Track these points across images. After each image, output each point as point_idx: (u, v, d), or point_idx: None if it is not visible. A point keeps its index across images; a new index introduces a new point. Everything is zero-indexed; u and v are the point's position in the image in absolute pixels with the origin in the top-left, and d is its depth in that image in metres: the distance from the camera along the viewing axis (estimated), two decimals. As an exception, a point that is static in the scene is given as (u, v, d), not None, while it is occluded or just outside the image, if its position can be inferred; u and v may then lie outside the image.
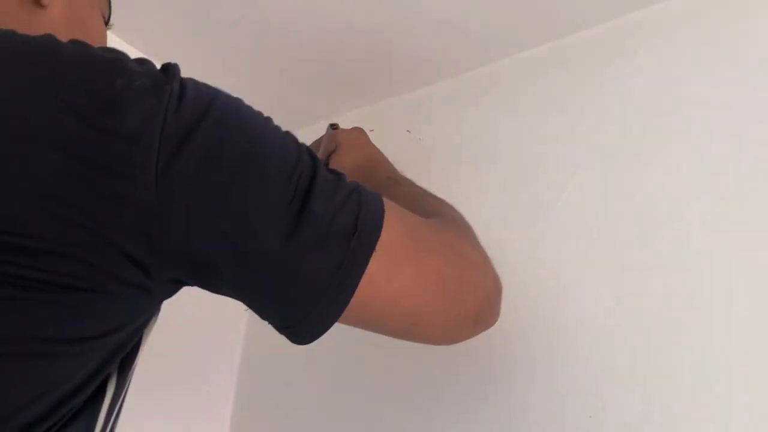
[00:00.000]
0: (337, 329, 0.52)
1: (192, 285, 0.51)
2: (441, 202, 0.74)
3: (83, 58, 0.45)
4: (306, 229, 0.47)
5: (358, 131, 0.92)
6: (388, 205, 0.54)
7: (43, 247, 0.41)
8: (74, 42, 0.46)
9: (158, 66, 0.47)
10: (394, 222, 0.53)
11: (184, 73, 0.47)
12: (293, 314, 0.50)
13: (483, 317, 0.64)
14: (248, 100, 0.51)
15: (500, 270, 0.65)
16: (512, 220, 0.89)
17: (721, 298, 0.72)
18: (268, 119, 0.52)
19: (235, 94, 0.50)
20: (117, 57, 0.46)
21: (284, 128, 0.52)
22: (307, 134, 0.83)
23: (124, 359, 0.50)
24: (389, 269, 0.52)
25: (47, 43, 0.46)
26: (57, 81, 0.43)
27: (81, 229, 0.42)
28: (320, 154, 0.93)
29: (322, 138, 0.93)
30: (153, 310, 0.51)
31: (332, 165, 0.89)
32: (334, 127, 0.94)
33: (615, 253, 0.80)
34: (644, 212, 0.80)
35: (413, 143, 1.04)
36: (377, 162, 0.86)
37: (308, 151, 0.52)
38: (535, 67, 0.96)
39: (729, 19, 0.81)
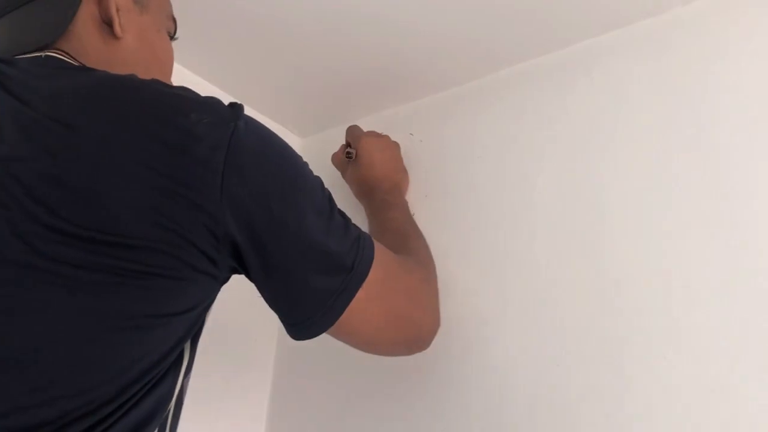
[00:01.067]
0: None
1: (241, 273, 0.63)
2: (419, 238, 0.94)
3: (163, 95, 0.56)
4: (320, 258, 0.63)
5: (383, 141, 1.06)
6: (377, 251, 0.69)
7: (141, 245, 0.52)
8: (155, 81, 0.57)
9: (225, 102, 0.60)
10: (378, 268, 0.68)
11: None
12: (296, 317, 0.66)
13: (414, 348, 0.84)
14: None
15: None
16: (496, 211, 0.97)
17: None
18: (305, 164, 0.66)
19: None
20: (189, 96, 0.58)
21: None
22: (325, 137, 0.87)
23: (194, 336, 0.62)
24: (366, 303, 0.67)
25: (132, 82, 0.57)
26: (145, 115, 0.54)
27: (168, 231, 0.53)
28: (345, 148, 1.08)
29: (348, 132, 1.08)
30: (216, 292, 0.64)
31: (348, 173, 1.05)
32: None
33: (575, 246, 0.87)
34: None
35: (416, 144, 1.12)
36: (382, 182, 1.02)
37: (329, 197, 0.67)
38: (509, 85, 1.04)
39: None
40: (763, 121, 0.79)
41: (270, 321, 0.75)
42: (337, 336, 0.71)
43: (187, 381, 0.64)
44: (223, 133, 0.55)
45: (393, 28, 0.98)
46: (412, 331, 0.80)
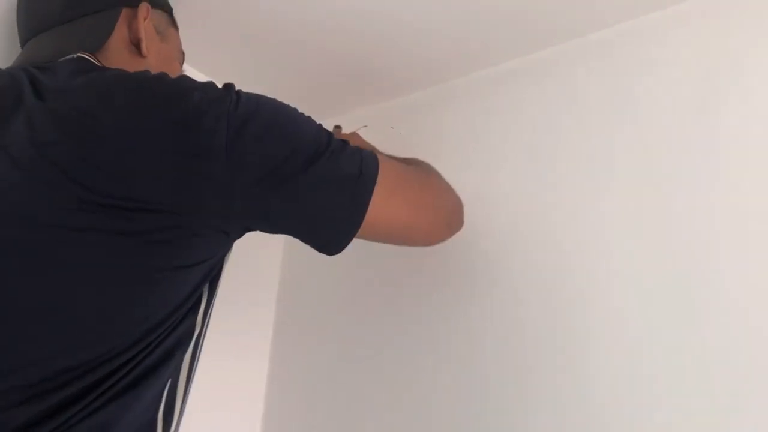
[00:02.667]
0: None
1: (255, 229, 0.72)
2: (417, 161, 1.00)
3: (169, 83, 0.66)
4: (329, 173, 0.70)
5: (354, 135, 1.18)
6: (380, 156, 0.78)
7: (160, 209, 0.62)
8: (162, 73, 0.68)
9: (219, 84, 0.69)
10: (386, 166, 0.76)
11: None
12: (324, 235, 0.74)
13: (453, 223, 0.95)
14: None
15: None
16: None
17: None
18: (295, 109, 0.73)
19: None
20: (190, 81, 0.67)
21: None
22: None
23: (211, 280, 0.73)
24: (385, 198, 0.75)
25: (144, 75, 0.68)
26: (155, 100, 0.64)
27: (186, 195, 0.62)
28: None
29: None
30: (230, 246, 0.74)
31: None
32: (337, 127, 1.17)
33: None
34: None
35: (396, 137, 1.28)
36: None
37: (326, 130, 0.74)
38: (484, 86, 1.20)
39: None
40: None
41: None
42: (375, 235, 0.78)
43: (208, 319, 0.74)
44: (223, 105, 0.64)
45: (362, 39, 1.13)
46: (442, 210, 0.90)
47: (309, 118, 0.73)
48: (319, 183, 0.69)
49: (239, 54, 1.20)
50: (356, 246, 0.76)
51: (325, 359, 1.22)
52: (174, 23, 0.90)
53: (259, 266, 1.33)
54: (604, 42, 1.06)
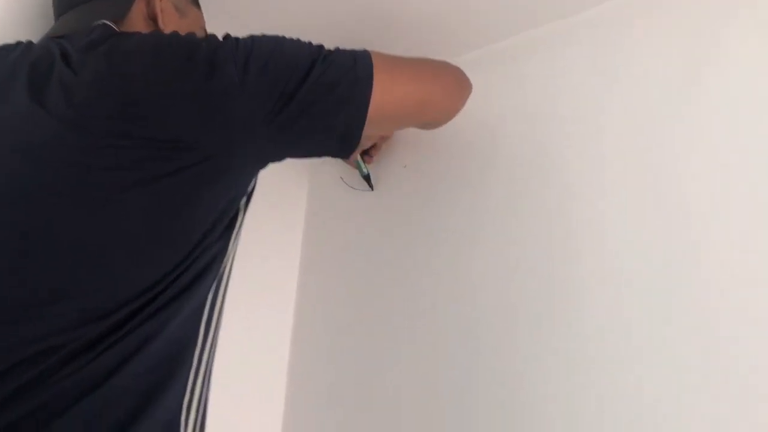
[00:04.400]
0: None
1: (278, 154, 0.80)
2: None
3: (182, 39, 0.75)
4: (327, 73, 0.76)
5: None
6: (374, 51, 0.82)
7: (187, 146, 0.70)
8: (174, 32, 0.76)
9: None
10: (380, 54, 0.82)
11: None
12: (335, 133, 0.78)
13: (463, 83, 0.97)
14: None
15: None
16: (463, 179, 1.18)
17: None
18: (284, 36, 0.79)
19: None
20: (198, 36, 0.75)
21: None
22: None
23: (233, 215, 0.81)
24: (389, 78, 0.80)
25: (161, 34, 0.77)
26: (174, 55, 0.72)
27: (216, 131, 0.71)
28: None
29: None
30: (248, 181, 0.81)
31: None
32: None
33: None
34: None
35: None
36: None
37: (317, 45, 0.79)
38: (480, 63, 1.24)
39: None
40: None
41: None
42: (390, 119, 0.86)
43: (234, 246, 0.83)
44: (227, 49, 0.73)
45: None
46: (450, 77, 0.95)
47: (298, 39, 0.79)
48: (319, 84, 0.75)
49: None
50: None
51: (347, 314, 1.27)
52: (196, 2, 0.98)
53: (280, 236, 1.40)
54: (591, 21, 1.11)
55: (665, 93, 0.99)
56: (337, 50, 0.79)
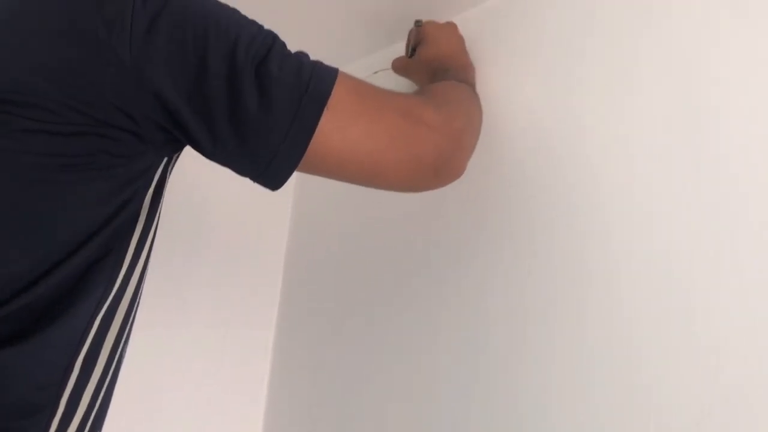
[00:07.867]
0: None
1: (182, 142, 0.61)
2: (462, 95, 0.83)
3: None
4: (260, 87, 0.58)
5: (448, 26, 0.99)
6: (344, 74, 0.64)
7: (75, 106, 0.54)
8: None
9: None
10: (346, 85, 0.63)
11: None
12: (258, 164, 0.61)
13: (442, 169, 0.74)
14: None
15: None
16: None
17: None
18: (229, 8, 0.61)
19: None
20: None
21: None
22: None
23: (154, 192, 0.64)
24: (340, 124, 0.62)
25: None
26: (60, 7, 0.56)
27: (89, 95, 0.54)
28: (407, 48, 1.03)
29: (410, 33, 1.02)
30: (152, 159, 0.62)
31: (412, 65, 1.00)
32: (418, 24, 1.00)
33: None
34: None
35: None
36: (448, 60, 0.93)
37: (271, 32, 0.62)
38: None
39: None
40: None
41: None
42: (328, 172, 0.66)
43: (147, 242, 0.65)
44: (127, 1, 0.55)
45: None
46: (423, 148, 0.70)
47: (249, 19, 0.62)
48: (249, 95, 0.57)
49: None
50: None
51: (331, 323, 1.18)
52: None
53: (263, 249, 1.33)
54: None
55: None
56: (292, 53, 0.63)
